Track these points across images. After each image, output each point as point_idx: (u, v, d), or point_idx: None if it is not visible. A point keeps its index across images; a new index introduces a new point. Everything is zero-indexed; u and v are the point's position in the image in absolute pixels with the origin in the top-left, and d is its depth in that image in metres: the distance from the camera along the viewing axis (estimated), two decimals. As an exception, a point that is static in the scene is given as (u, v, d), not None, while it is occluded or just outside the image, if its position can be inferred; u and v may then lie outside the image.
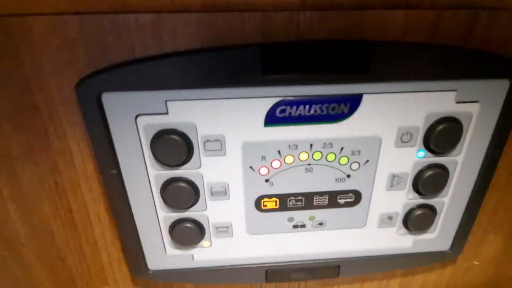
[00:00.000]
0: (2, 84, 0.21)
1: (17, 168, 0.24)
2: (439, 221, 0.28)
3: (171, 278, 0.28)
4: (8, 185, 0.24)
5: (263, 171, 0.24)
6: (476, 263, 0.33)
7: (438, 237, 0.29)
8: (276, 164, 0.24)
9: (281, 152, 0.23)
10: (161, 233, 0.26)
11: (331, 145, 0.23)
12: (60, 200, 0.26)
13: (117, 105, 0.21)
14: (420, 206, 0.26)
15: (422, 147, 0.24)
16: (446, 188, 0.26)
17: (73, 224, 0.27)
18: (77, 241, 0.28)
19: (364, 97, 0.22)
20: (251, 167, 0.24)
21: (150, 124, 0.21)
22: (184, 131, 0.22)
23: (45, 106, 0.22)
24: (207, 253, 0.27)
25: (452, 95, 0.22)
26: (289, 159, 0.23)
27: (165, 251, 0.27)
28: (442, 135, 0.23)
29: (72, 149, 0.24)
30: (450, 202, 0.27)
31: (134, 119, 0.21)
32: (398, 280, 0.33)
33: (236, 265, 0.28)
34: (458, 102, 0.22)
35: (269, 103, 0.21)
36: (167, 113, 0.21)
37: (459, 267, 0.33)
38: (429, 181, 0.25)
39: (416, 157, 0.24)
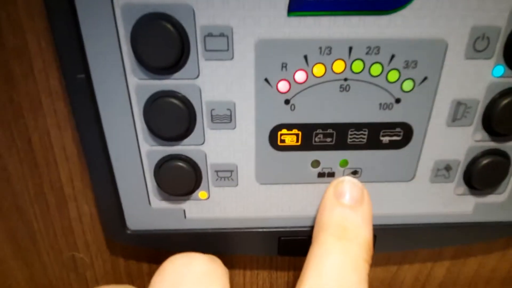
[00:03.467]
0: None
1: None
2: (511, 177, 0.21)
3: (155, 243, 0.22)
4: None
5: (283, 86, 0.18)
6: (548, 245, 0.26)
7: (508, 200, 0.22)
8: (300, 76, 0.17)
9: (309, 59, 0.17)
10: (144, 176, 0.20)
11: (378, 50, 0.17)
12: (16, 126, 0.20)
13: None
14: (490, 152, 0.20)
15: (502, 60, 0.17)
16: (527, 127, 0.20)
17: (33, 160, 0.21)
18: (38, 186, 0.21)
19: (429, -26, 0.16)
20: (266, 80, 0.18)
21: (131, 4, 0.16)
22: (177, 17, 0.16)
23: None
24: (203, 209, 0.21)
25: (551, -21, 0.16)
26: (319, 70, 0.17)
27: (149, 203, 0.21)
28: (533, 40, 0.17)
29: (31, 49, 0.18)
30: (530, 149, 0.20)
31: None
32: (446, 264, 0.26)
33: (239, 228, 0.22)
34: (559, -9, 0.16)
35: (296, -22, 0.16)
36: (154, -12, 0.16)
37: (526, 249, 0.26)
38: (508, 112, 0.18)
39: (491, 75, 0.18)
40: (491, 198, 0.22)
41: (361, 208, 0.18)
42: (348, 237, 0.16)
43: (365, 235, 0.17)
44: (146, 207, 0.21)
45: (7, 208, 0.22)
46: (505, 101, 0.18)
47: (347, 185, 0.18)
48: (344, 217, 0.17)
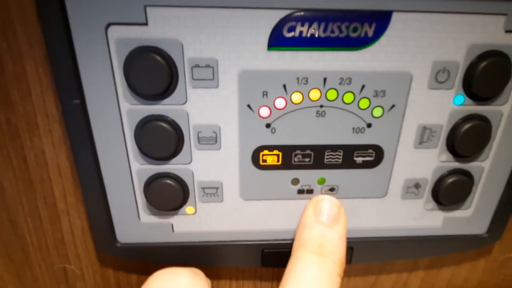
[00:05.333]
0: None
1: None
2: (476, 193, 0.23)
3: (144, 255, 0.23)
4: None
5: (264, 112, 0.20)
6: (514, 256, 0.29)
7: (473, 215, 0.24)
8: (280, 103, 0.20)
9: (287, 87, 0.19)
10: (134, 192, 0.22)
11: (350, 81, 0.19)
12: (12, 145, 0.22)
13: (84, 11, 0.17)
14: (455, 172, 0.22)
15: (461, 90, 0.20)
16: (486, 150, 0.22)
17: (27, 177, 0.22)
18: (32, 201, 0.23)
19: (394, 16, 0.18)
20: (249, 106, 0.20)
21: (124, 38, 0.18)
22: (166, 50, 0.18)
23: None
24: (190, 223, 0.23)
25: (501, 21, 0.18)
26: (297, 98, 0.19)
27: (139, 217, 0.22)
28: (487, 73, 0.19)
29: (29, 75, 0.20)
30: (491, 169, 0.22)
31: (104, 30, 0.17)
32: (421, 274, 0.29)
33: (224, 241, 0.23)
34: (507, 31, 0.19)
35: (275, 17, 0.17)
36: (146, 23, 0.17)
37: (494, 260, 0.28)
38: (468, 136, 0.20)
39: (453, 104, 0.20)
40: (458, 213, 0.24)
41: (338, 225, 0.19)
42: (325, 253, 0.18)
43: (339, 252, 0.19)
44: (135, 222, 0.22)
45: (1, 222, 0.24)
46: (465, 127, 0.20)
47: (325, 204, 0.20)
48: (322, 235, 0.19)
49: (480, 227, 0.25)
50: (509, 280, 0.29)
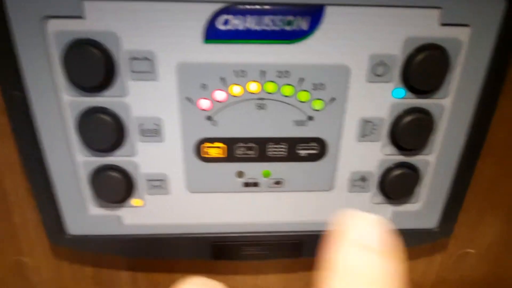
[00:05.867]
0: None
1: None
2: (424, 187, 0.24)
3: (93, 247, 0.24)
4: None
5: (204, 104, 0.20)
6: (471, 250, 0.29)
7: (422, 209, 0.24)
8: (219, 95, 0.20)
9: (226, 80, 0.20)
10: (81, 185, 0.22)
11: (288, 74, 0.20)
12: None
13: (22, 5, 0.17)
14: (400, 165, 0.23)
15: (401, 84, 0.20)
16: (430, 143, 0.22)
17: (-25, 169, 0.23)
18: (-18, 193, 0.24)
19: (327, 9, 0.18)
20: (188, 98, 0.20)
21: (62, 31, 0.18)
22: (104, 42, 0.18)
23: None
24: (139, 215, 0.23)
25: (435, 14, 0.19)
26: (236, 90, 0.20)
27: (87, 209, 0.23)
28: (424, 66, 0.19)
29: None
30: (437, 163, 0.23)
31: (42, 23, 0.17)
32: (378, 268, 0.29)
33: (173, 234, 0.24)
34: (443, 25, 0.19)
35: (209, 10, 0.18)
36: (83, 17, 0.18)
37: (450, 254, 0.29)
38: (409, 130, 0.21)
39: (392, 97, 0.21)
40: (407, 207, 0.24)
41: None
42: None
43: None
44: (84, 213, 0.23)
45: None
46: (407, 120, 0.21)
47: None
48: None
49: (430, 222, 0.25)
50: (467, 276, 0.30)
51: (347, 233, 0.14)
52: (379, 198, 0.24)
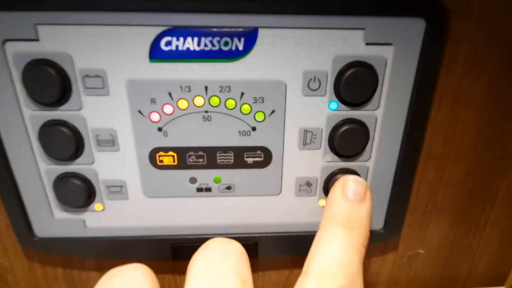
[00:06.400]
0: None
1: None
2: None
3: (60, 248, 0.26)
4: None
5: (155, 117, 0.22)
6: (421, 251, 0.30)
7: (367, 212, 0.26)
8: (168, 109, 0.22)
9: (173, 95, 0.21)
10: (45, 191, 0.24)
11: (229, 89, 0.21)
12: None
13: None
14: (341, 171, 0.25)
15: (334, 97, 0.22)
16: (367, 150, 0.24)
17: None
18: (-44, 199, 0.26)
19: (260, 31, 0.20)
20: (140, 112, 0.22)
21: (19, 53, 0.20)
22: (58, 62, 0.20)
23: None
24: (101, 219, 0.25)
25: (360, 35, 0.21)
26: (183, 104, 0.22)
27: (52, 214, 0.25)
28: (353, 82, 0.21)
29: None
30: (375, 168, 0.25)
31: (1, 45, 0.20)
32: (334, 268, 0.31)
33: (135, 236, 0.26)
34: (368, 44, 0.21)
35: (152, 33, 0.20)
36: (38, 39, 0.20)
37: (402, 255, 0.30)
38: (345, 139, 0.23)
39: (328, 109, 0.23)
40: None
41: (365, 203, 0.21)
42: (353, 227, 0.20)
43: (366, 226, 0.20)
44: (49, 217, 0.25)
45: None
46: (342, 130, 0.22)
47: (353, 183, 0.21)
48: (351, 210, 0.20)
49: (375, 223, 0.27)
50: (420, 276, 0.32)
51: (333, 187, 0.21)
52: (324, 201, 0.25)
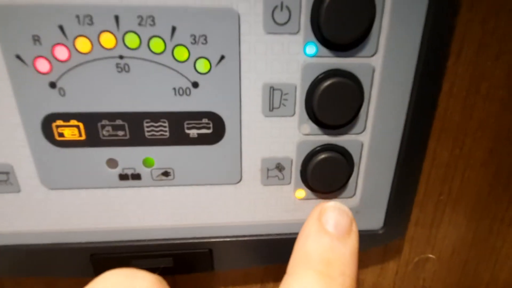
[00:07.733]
0: None
1: None
2: (360, 176, 0.19)
3: None
4: None
5: (42, 66, 0.15)
6: (431, 256, 0.24)
7: (362, 205, 0.20)
8: (61, 52, 0.15)
9: (66, 30, 0.14)
10: None
11: (153, 21, 0.15)
12: None
13: None
14: (326, 149, 0.18)
15: (312, 36, 0.15)
16: (362, 117, 0.18)
17: None
18: None
19: None
20: (18, 57, 0.15)
21: None
22: None
23: None
24: (-15, 221, 0.18)
25: None
26: (83, 45, 0.15)
27: None
28: (332, 14, 0.15)
29: None
30: (372, 144, 0.18)
31: None
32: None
33: (36, 245, 0.18)
34: None
35: None
36: None
37: (407, 261, 0.24)
38: (330, 98, 0.16)
39: (304, 55, 0.16)
40: (341, 202, 0.20)
41: (349, 239, 0.15)
42: (333, 274, 0.14)
43: (351, 273, 0.15)
44: None
45: None
46: (324, 86, 0.16)
47: (334, 213, 0.16)
48: (330, 249, 0.15)
49: (373, 221, 0.20)
50: (428, 287, 0.25)
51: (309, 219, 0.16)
52: (304, 192, 0.19)
